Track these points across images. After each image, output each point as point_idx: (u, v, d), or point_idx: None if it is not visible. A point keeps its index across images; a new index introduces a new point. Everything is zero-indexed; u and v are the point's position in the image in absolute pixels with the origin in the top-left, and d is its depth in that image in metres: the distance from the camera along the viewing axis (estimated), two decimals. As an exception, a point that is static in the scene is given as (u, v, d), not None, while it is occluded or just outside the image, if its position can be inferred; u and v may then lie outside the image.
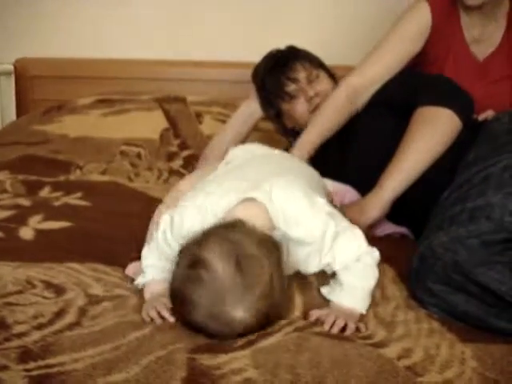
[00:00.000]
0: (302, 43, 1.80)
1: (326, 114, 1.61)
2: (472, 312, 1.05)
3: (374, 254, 1.09)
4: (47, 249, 1.25)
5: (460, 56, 1.62)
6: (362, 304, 1.06)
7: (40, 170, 1.75)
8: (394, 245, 1.38)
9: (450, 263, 1.07)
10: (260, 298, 0.94)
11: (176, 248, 1.04)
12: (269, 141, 1.69)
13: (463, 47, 1.63)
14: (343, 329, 1.00)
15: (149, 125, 2.11)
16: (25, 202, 1.52)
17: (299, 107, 1.70)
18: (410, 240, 1.43)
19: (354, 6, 2.39)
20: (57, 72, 2.42)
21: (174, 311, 1.01)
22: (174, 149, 2.03)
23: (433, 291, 1.09)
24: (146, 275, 1.11)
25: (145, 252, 1.13)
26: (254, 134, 1.88)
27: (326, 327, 1.00)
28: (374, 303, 1.09)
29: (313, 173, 1.40)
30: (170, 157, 1.98)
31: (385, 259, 1.25)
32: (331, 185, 1.54)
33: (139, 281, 1.11)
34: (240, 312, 0.93)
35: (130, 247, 1.25)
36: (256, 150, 1.42)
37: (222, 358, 0.89)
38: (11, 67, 2.45)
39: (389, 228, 1.45)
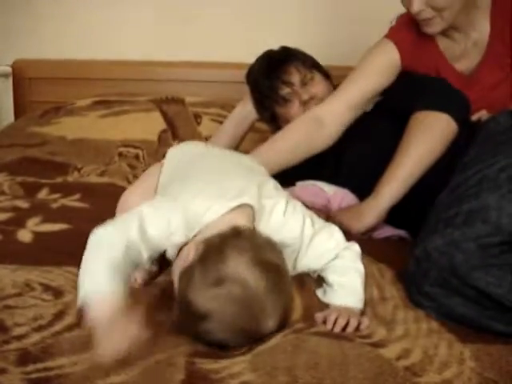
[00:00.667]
0: (298, 43, 1.80)
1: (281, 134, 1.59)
2: (469, 315, 1.05)
3: (354, 247, 1.11)
4: (45, 252, 1.25)
5: (447, 75, 1.56)
6: (353, 299, 1.06)
7: (38, 172, 1.75)
8: (392, 246, 1.38)
9: (445, 267, 1.06)
10: (286, 303, 0.94)
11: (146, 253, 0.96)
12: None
13: (448, 67, 1.59)
14: (345, 326, 1.00)
15: (147, 126, 2.10)
16: (23, 204, 1.52)
17: (294, 111, 1.68)
18: (408, 242, 1.43)
19: (350, 5, 2.39)
20: (55, 74, 2.42)
21: (181, 324, 0.96)
22: (172, 150, 2.03)
23: (429, 295, 1.08)
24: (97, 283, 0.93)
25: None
26: (251, 136, 1.88)
27: (329, 326, 1.00)
28: (372, 303, 1.09)
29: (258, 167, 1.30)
30: (168, 158, 1.98)
31: (383, 260, 1.26)
32: (329, 189, 1.55)
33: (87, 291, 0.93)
34: (270, 323, 0.92)
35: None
36: (193, 149, 1.34)
37: (221, 364, 0.88)
38: (9, 69, 2.45)
39: (387, 231, 1.45)
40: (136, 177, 1.82)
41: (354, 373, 0.87)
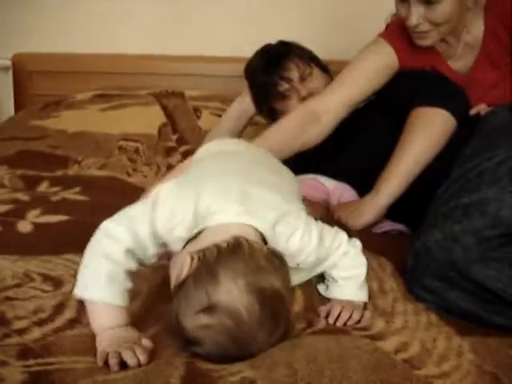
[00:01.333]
0: (298, 37, 1.79)
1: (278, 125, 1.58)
2: (469, 308, 1.05)
3: (356, 243, 1.10)
4: (45, 241, 1.26)
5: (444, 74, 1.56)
6: (360, 294, 1.07)
7: (38, 165, 1.75)
8: (392, 240, 1.38)
9: (445, 261, 1.06)
10: (284, 325, 0.90)
11: (152, 245, 0.94)
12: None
13: (445, 66, 1.59)
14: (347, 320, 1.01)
15: (147, 120, 2.11)
16: (23, 196, 1.52)
17: (292, 106, 1.68)
18: (408, 236, 1.43)
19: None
20: (55, 67, 2.42)
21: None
22: (172, 144, 2.03)
23: (429, 288, 1.09)
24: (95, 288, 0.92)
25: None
26: (250, 128, 1.88)
27: (331, 320, 1.00)
28: (372, 296, 1.10)
29: (290, 175, 1.30)
30: (168, 152, 1.98)
31: (383, 254, 1.26)
32: (329, 183, 1.55)
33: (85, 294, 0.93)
34: (266, 347, 0.89)
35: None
36: (226, 145, 1.34)
37: (220, 365, 0.87)
38: (9, 62, 2.45)
39: (387, 225, 1.45)
40: (136, 170, 1.82)
41: (353, 365, 0.87)
